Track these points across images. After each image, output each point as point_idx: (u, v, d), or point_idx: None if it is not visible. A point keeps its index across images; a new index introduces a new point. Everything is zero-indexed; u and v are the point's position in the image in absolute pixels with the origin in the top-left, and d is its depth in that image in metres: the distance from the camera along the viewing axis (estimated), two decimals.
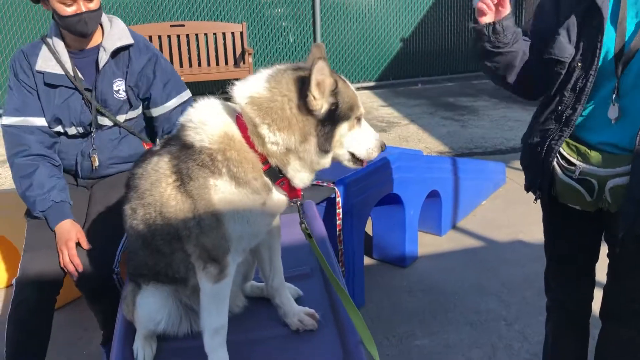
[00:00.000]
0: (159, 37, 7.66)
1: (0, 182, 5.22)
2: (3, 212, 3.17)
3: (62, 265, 2.21)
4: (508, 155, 5.40)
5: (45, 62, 2.37)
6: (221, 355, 1.61)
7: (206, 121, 1.52)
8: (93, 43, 2.43)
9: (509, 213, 4.14)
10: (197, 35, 7.83)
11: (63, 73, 2.38)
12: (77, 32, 2.32)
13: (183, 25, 7.77)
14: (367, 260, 3.44)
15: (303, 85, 1.44)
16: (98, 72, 2.41)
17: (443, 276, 3.36)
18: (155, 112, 2.53)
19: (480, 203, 4.28)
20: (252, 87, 1.50)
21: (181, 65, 7.82)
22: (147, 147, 2.54)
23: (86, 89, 2.41)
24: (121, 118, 2.49)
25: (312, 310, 1.81)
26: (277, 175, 1.52)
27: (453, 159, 3.89)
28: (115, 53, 2.43)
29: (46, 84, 2.38)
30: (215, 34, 7.87)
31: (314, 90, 1.43)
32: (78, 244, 2.24)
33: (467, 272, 3.39)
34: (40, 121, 2.39)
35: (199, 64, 7.96)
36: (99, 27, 2.44)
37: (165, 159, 1.58)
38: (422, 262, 3.52)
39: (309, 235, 1.69)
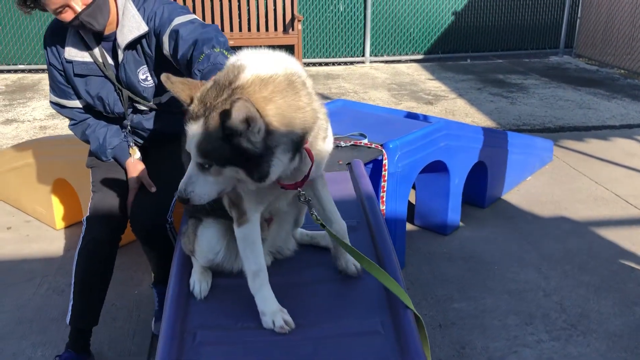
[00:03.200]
0: (211, 0, 7.75)
1: (65, 131, 5.45)
2: (63, 155, 3.34)
3: (130, 200, 2.36)
4: (556, 134, 5.33)
5: (74, 50, 2.35)
6: (266, 295, 1.69)
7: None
8: (111, 27, 2.33)
9: (554, 190, 4.11)
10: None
11: (91, 60, 2.37)
12: (89, 31, 2.27)
13: None
14: (408, 226, 3.50)
15: None
16: (118, 65, 2.37)
17: (483, 246, 3.39)
18: (164, 46, 2.27)
19: (526, 178, 4.26)
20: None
21: (231, 30, 7.90)
22: None
23: (116, 79, 2.40)
24: (157, 101, 2.48)
25: (359, 266, 1.85)
26: None
27: (501, 132, 3.87)
28: (131, 45, 2.34)
29: (76, 74, 2.39)
30: None
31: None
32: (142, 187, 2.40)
33: (508, 244, 3.41)
34: (75, 104, 2.49)
35: (249, 29, 8.03)
36: (115, 7, 2.31)
37: None
38: (463, 232, 3.55)
39: (322, 225, 1.69)
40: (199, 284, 1.84)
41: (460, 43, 9.03)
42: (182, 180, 1.43)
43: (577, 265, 3.18)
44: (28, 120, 5.82)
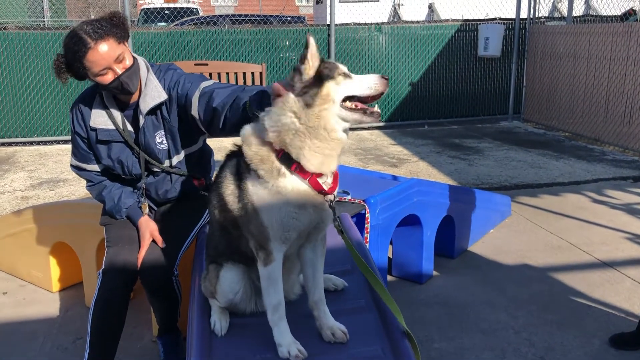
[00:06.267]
0: None
1: (48, 199, 5.59)
2: (63, 220, 3.54)
3: (141, 255, 2.59)
4: (512, 191, 5.80)
5: (98, 119, 2.63)
6: (282, 328, 1.95)
7: (244, 128, 1.94)
8: (135, 97, 2.64)
9: (515, 241, 4.51)
10: (219, 74, 8.33)
11: (114, 127, 2.64)
12: (122, 93, 2.55)
13: (207, 64, 8.27)
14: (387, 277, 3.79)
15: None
16: (139, 129, 2.65)
17: (456, 292, 3.71)
18: (193, 106, 2.51)
19: (489, 231, 4.66)
20: None
21: None
22: (196, 184, 2.86)
23: (135, 143, 2.66)
24: (167, 164, 2.73)
25: (344, 328, 2.02)
26: (288, 160, 1.81)
27: (466, 189, 4.28)
28: (152, 111, 2.61)
29: (99, 141, 2.66)
30: (236, 73, 8.37)
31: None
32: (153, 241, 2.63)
33: (478, 289, 3.74)
34: (94, 168, 2.77)
35: None
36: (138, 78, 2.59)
37: (234, 162, 2.00)
38: (437, 280, 3.87)
39: (341, 231, 2.00)
40: (219, 322, 2.09)
41: (418, 111, 9.67)
42: (376, 75, 1.84)
43: (540, 305, 3.52)
44: (8, 192, 5.95)
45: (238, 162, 1.97)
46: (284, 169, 1.82)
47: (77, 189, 5.99)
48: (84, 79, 2.55)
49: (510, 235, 4.62)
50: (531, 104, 9.60)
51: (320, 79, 1.78)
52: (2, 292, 3.77)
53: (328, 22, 9.01)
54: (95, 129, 2.65)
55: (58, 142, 8.38)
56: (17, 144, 8.22)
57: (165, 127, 2.66)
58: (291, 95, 1.79)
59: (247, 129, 1.93)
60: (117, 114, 2.66)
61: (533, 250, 4.33)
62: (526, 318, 3.38)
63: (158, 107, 2.62)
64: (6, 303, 3.63)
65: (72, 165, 2.82)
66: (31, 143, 8.31)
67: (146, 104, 2.59)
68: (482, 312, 3.46)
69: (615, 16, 10.08)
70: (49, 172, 6.74)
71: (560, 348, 3.07)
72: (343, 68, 1.84)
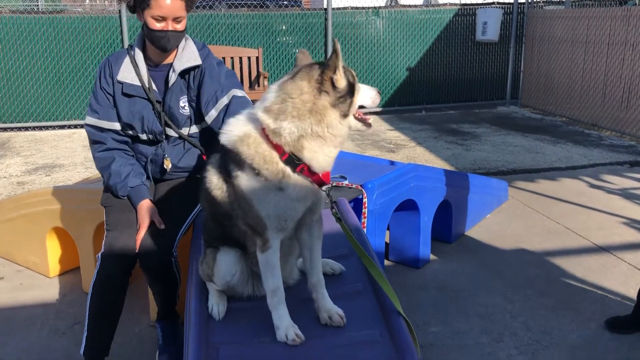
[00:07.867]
0: None
1: (44, 184, 5.58)
2: (61, 205, 3.52)
3: (140, 237, 2.57)
4: (509, 176, 5.80)
5: (126, 74, 2.71)
6: (281, 312, 1.96)
7: (230, 126, 1.94)
8: (168, 60, 2.74)
9: (512, 225, 4.52)
10: None
11: (139, 84, 2.71)
12: (159, 46, 2.63)
13: None
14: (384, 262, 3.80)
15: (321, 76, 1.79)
16: (167, 88, 2.73)
17: (453, 276, 3.72)
18: (213, 109, 2.70)
19: (485, 216, 4.66)
20: (266, 100, 1.86)
21: None
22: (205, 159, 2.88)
23: (157, 101, 2.73)
24: (185, 131, 2.79)
25: (342, 312, 2.02)
26: (294, 162, 1.82)
27: (463, 174, 4.28)
28: (184, 73, 2.72)
29: (124, 94, 2.72)
30: (232, 57, 8.33)
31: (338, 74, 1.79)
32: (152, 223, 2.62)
33: (475, 274, 3.75)
34: (114, 125, 2.75)
35: None
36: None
37: (217, 157, 2.04)
38: (433, 264, 3.88)
39: (339, 218, 2.03)
40: (217, 306, 2.09)
41: (415, 96, 9.64)
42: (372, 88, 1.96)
43: (537, 290, 3.53)
44: (4, 177, 5.93)
45: (222, 157, 1.99)
46: (288, 171, 1.83)
47: (73, 174, 5.97)
48: (134, 12, 2.67)
49: (507, 220, 4.63)
50: (529, 88, 9.58)
51: (350, 87, 1.82)
52: None
53: (325, 6, 8.94)
54: (122, 83, 2.72)
55: (53, 127, 8.35)
56: (12, 129, 8.18)
57: (189, 94, 2.75)
58: (329, 107, 1.79)
59: (243, 128, 1.90)
60: (144, 73, 2.73)
61: (530, 235, 4.34)
62: (523, 302, 3.39)
63: (190, 70, 2.71)
64: (3, 288, 3.63)
65: (87, 125, 2.77)
66: (26, 128, 8.27)
67: (181, 64, 2.69)
68: (479, 296, 3.47)
69: (613, 0, 10.03)
70: (44, 157, 6.72)
71: (556, 332, 3.08)
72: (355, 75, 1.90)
